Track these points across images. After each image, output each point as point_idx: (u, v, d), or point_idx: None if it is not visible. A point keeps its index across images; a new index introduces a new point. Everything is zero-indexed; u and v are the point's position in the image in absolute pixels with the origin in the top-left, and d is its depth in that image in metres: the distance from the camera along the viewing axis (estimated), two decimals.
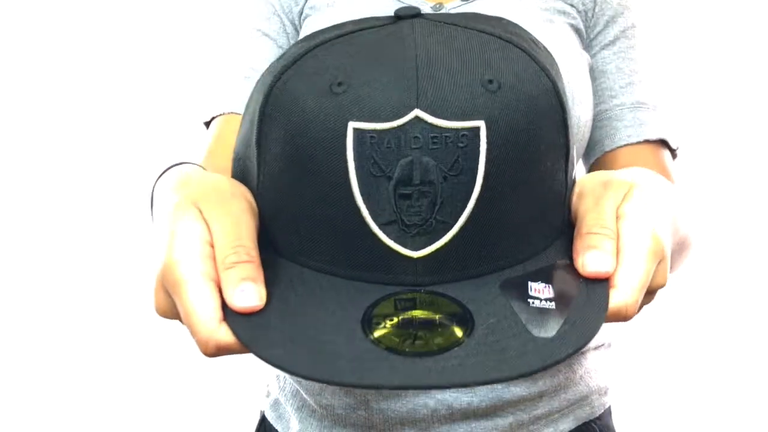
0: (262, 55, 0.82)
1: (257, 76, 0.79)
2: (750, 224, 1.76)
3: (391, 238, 0.43)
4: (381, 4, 0.79)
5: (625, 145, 0.79)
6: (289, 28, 0.84)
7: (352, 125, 0.43)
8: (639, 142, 0.79)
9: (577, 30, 0.81)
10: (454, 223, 0.43)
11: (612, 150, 0.80)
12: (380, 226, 0.43)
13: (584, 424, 0.80)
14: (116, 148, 1.82)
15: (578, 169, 0.82)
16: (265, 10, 0.84)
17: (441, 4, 0.80)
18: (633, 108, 0.80)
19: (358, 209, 0.43)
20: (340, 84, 0.44)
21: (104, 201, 1.82)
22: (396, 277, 0.44)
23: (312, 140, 0.44)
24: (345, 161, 0.43)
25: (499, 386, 0.75)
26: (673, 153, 0.82)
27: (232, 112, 0.79)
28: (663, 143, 0.80)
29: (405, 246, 0.43)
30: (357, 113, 0.43)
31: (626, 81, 0.81)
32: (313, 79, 0.45)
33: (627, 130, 0.79)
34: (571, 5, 0.82)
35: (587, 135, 0.80)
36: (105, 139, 1.82)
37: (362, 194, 0.43)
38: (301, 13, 0.84)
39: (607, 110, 0.81)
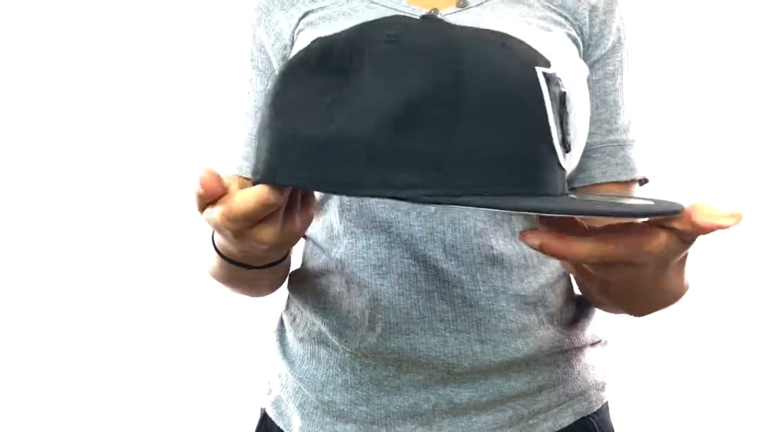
0: (254, 114, 0.88)
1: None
2: (739, 226, 1.77)
3: None
4: (379, 15, 0.80)
5: (614, 182, 0.86)
6: (276, 63, 0.85)
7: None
8: (627, 181, 0.85)
9: (574, 40, 0.83)
10: None
11: (601, 183, 0.86)
12: None
13: (582, 418, 0.81)
14: (116, 150, 1.82)
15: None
16: (252, 47, 0.87)
17: (436, 10, 0.81)
18: (624, 145, 0.85)
19: None
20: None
21: (104, 202, 1.82)
22: None
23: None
24: None
25: (499, 381, 0.76)
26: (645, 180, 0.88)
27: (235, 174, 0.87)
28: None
29: None
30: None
31: (622, 117, 0.85)
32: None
33: (617, 168, 0.85)
34: (565, 18, 0.83)
35: (583, 142, 0.82)
36: (105, 141, 1.82)
37: None
38: (295, 31, 0.85)
39: (602, 143, 0.86)
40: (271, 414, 0.85)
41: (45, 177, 1.82)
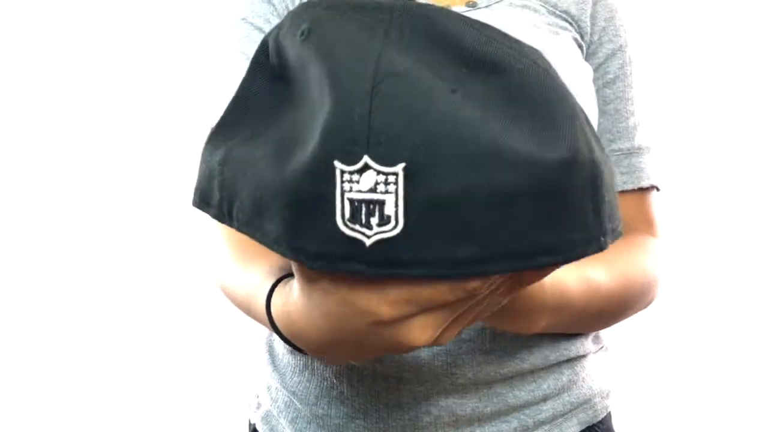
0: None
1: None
2: (747, 228, 1.76)
3: None
4: None
5: (620, 192, 0.83)
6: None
7: None
8: (633, 190, 0.83)
9: (578, 44, 0.82)
10: None
11: None
12: None
13: (588, 428, 0.79)
14: (115, 150, 1.78)
15: None
16: (247, 28, 0.81)
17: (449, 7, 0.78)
18: (629, 154, 0.83)
19: None
20: None
21: (103, 201, 1.78)
22: None
23: None
24: None
25: (503, 391, 0.74)
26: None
27: None
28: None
29: None
30: None
31: (623, 125, 0.83)
32: None
33: (623, 177, 0.82)
34: (570, 23, 0.82)
35: None
36: (104, 141, 1.79)
37: None
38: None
39: None
40: (261, 430, 0.81)
41: (43, 177, 1.78)
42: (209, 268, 0.74)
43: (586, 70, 0.80)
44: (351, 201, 0.40)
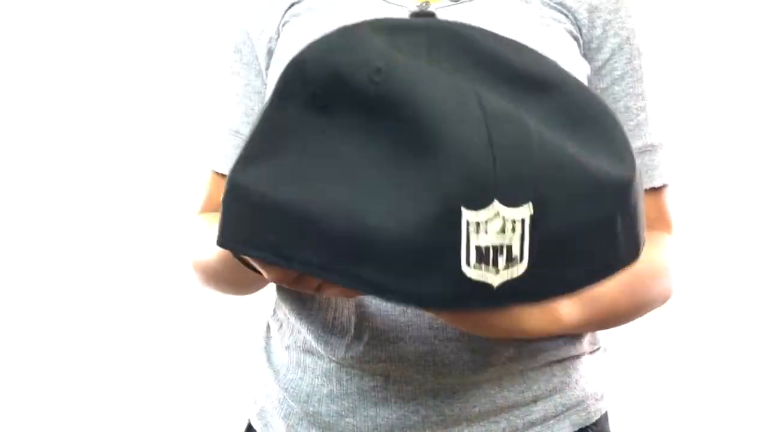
0: (239, 109, 0.84)
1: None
2: (743, 229, 1.74)
3: None
4: (367, 7, 0.77)
5: None
6: (261, 57, 0.83)
7: None
8: (645, 190, 0.78)
9: (575, 38, 0.78)
10: None
11: None
12: None
13: (580, 430, 0.79)
14: (115, 150, 1.80)
15: None
16: (238, 40, 0.85)
17: (427, 3, 0.78)
18: (640, 153, 0.80)
19: None
20: None
21: (103, 201, 1.80)
22: None
23: None
24: None
25: (492, 391, 0.74)
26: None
27: (215, 171, 0.84)
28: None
29: None
30: None
31: (634, 122, 0.79)
32: None
33: None
34: (565, 16, 0.78)
35: None
36: (104, 141, 1.81)
37: None
38: (280, 23, 0.82)
39: None
40: (256, 426, 0.83)
41: (39, 177, 1.80)
42: (184, 261, 0.81)
43: (581, 66, 0.77)
44: (478, 248, 0.42)
